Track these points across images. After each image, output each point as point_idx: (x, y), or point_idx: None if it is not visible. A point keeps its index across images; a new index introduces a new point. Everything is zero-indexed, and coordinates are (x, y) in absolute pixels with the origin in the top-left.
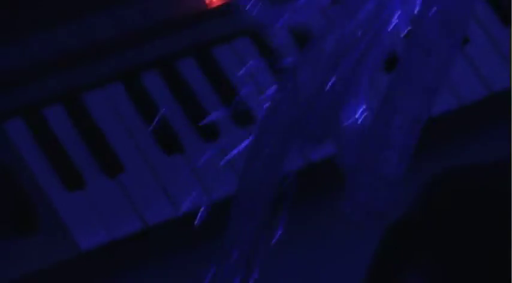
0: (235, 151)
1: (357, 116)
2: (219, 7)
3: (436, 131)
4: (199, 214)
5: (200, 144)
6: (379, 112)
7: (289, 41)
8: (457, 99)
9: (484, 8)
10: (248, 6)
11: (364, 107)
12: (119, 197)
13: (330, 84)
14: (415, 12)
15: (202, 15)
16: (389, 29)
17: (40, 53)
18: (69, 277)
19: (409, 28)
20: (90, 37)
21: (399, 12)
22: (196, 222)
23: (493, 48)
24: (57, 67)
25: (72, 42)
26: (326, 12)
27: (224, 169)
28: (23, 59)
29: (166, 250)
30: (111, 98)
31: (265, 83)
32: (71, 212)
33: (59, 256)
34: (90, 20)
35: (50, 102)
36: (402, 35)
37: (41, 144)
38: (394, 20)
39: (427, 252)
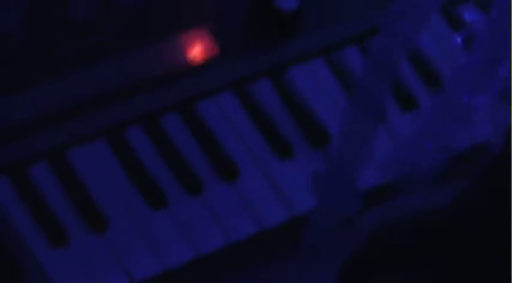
0: (220, 205)
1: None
2: (202, 63)
3: None
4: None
5: (185, 198)
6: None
7: (273, 94)
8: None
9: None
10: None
11: None
12: (105, 253)
13: None
14: None
15: (186, 70)
16: None
17: (24, 111)
18: None
19: None
20: (74, 94)
21: None
22: None
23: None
24: (42, 125)
25: (55, 100)
26: None
27: (211, 223)
28: (7, 117)
29: None
30: (96, 154)
31: (250, 136)
32: (57, 269)
33: None
34: (73, 77)
35: (36, 159)
36: None
37: (26, 202)
38: None
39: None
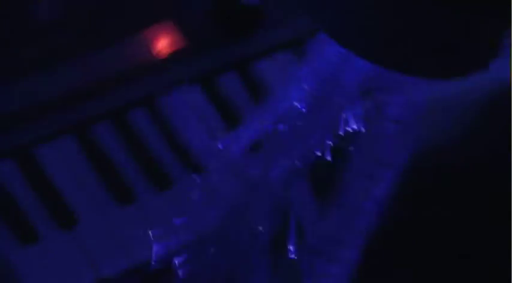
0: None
1: None
2: (167, 56)
3: None
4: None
5: (154, 193)
6: None
7: (240, 88)
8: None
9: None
10: None
11: None
12: (74, 249)
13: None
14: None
15: (151, 65)
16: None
17: None
18: None
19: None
20: (41, 92)
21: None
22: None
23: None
24: (8, 123)
25: (23, 97)
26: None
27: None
28: None
29: None
30: (63, 151)
31: (217, 129)
32: (25, 266)
33: None
34: (40, 76)
35: (2, 157)
36: None
37: None
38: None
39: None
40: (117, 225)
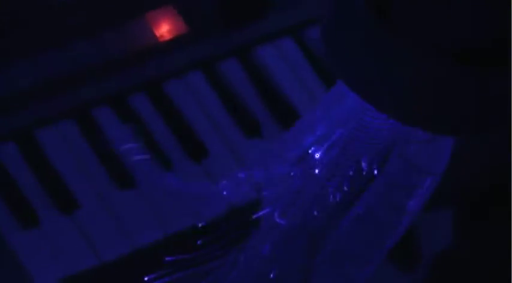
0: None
1: None
2: (170, 41)
3: None
4: None
5: (156, 175)
6: None
7: (242, 74)
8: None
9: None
10: None
11: None
12: (75, 234)
13: None
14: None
15: (153, 49)
16: None
17: None
18: None
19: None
20: (42, 74)
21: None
22: None
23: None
24: (9, 105)
25: (23, 80)
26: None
27: (179, 201)
28: None
29: None
30: (64, 134)
31: (219, 116)
32: (27, 250)
33: None
34: (41, 58)
35: (3, 140)
36: None
37: None
38: None
39: None
40: (118, 209)
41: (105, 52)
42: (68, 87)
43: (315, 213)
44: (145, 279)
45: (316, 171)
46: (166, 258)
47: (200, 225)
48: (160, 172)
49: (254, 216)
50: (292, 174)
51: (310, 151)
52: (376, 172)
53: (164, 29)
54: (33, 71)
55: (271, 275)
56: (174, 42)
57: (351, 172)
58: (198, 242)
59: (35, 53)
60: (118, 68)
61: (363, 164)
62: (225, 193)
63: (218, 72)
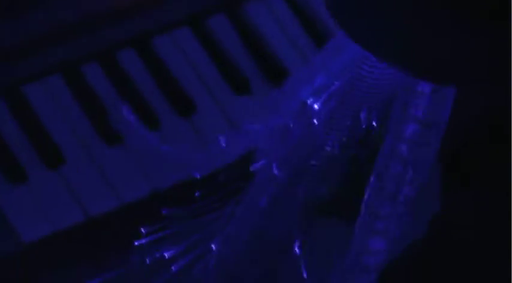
0: (177, 139)
1: None
2: None
3: None
4: None
5: (142, 133)
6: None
7: (231, 31)
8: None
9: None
10: None
11: None
12: (62, 189)
13: None
14: None
15: (142, 5)
16: None
17: None
18: (12, 270)
19: None
20: (29, 30)
21: None
22: None
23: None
24: None
25: (10, 36)
26: None
27: (167, 157)
28: None
29: (110, 240)
30: (52, 90)
31: (208, 73)
32: (13, 205)
33: (2, 249)
34: (27, 14)
35: None
36: None
37: None
38: None
39: None
40: (105, 164)
41: (93, 7)
42: (56, 43)
43: (313, 162)
44: (142, 230)
45: (315, 121)
46: (164, 211)
47: (197, 176)
48: (148, 131)
49: (251, 168)
50: (291, 125)
51: (308, 102)
52: (375, 123)
53: None
54: (19, 27)
55: (268, 227)
56: None
57: (349, 123)
58: (196, 194)
59: (19, 12)
60: (107, 23)
61: (362, 115)
62: (223, 145)
63: (207, 29)
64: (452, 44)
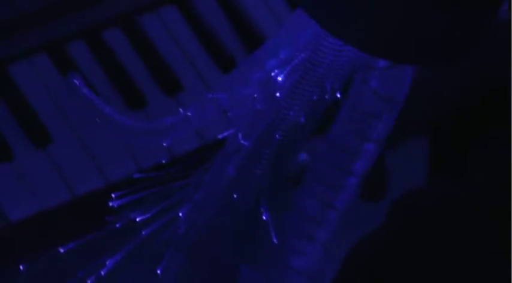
0: (165, 121)
1: None
2: None
3: None
4: None
5: (128, 112)
6: None
7: (217, 9)
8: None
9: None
10: None
11: None
12: (48, 168)
13: None
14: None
15: None
16: None
17: None
18: None
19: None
20: (14, 9)
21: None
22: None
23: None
24: None
25: None
26: None
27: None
28: None
29: (97, 220)
30: (37, 68)
31: (194, 51)
32: (1, 184)
33: None
34: None
35: None
36: None
37: None
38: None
39: None
40: (91, 143)
41: None
42: (41, 21)
43: (277, 136)
44: (112, 195)
45: (278, 94)
46: (134, 175)
47: (165, 144)
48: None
49: (219, 137)
50: (255, 96)
51: (272, 74)
52: (338, 95)
53: None
54: (6, 5)
55: (235, 196)
56: None
57: (314, 97)
58: (163, 161)
59: None
60: (92, 1)
61: (327, 87)
62: (189, 114)
63: (193, 7)
64: (409, 23)
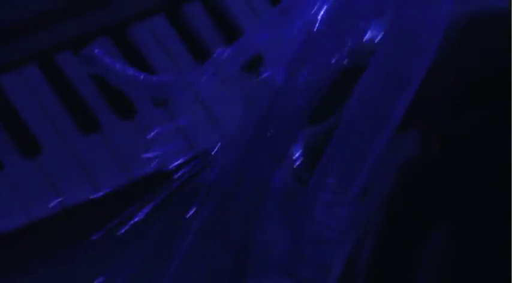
0: (154, 131)
1: None
2: None
3: None
4: None
5: (118, 123)
6: None
7: (206, 19)
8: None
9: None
10: None
11: None
12: (38, 178)
13: None
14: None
15: None
16: None
17: None
18: None
19: None
20: (3, 19)
21: None
22: None
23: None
24: None
25: None
26: None
27: (144, 148)
28: None
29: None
30: (28, 79)
31: (184, 62)
32: None
33: None
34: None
35: None
36: None
37: None
38: None
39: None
40: (81, 153)
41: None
42: (31, 32)
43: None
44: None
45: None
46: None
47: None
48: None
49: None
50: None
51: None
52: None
53: None
54: None
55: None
56: None
57: (351, 35)
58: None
59: None
60: (81, 11)
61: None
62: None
63: (182, 15)
64: None
